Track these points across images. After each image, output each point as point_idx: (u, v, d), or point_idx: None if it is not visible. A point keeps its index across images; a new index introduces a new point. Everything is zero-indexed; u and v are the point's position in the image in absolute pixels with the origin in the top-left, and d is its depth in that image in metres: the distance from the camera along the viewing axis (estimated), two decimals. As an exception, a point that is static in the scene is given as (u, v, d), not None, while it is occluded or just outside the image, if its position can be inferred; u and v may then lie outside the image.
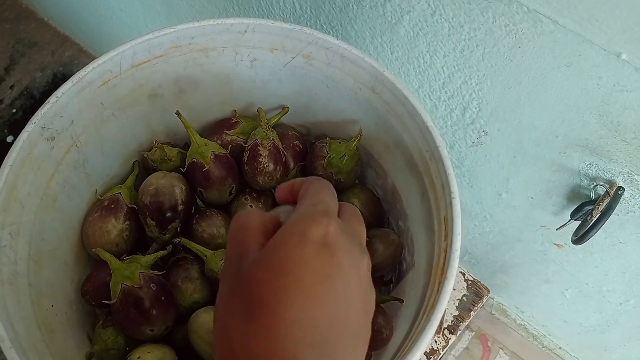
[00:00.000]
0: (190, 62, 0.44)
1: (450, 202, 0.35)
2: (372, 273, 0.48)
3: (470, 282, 0.64)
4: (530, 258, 0.74)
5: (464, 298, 0.63)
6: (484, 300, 0.63)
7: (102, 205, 0.45)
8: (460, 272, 0.65)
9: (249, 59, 0.45)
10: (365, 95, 0.44)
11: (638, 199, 0.52)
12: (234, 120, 0.50)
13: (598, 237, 0.60)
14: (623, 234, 0.58)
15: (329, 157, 0.48)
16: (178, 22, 1.01)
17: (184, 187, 0.46)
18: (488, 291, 0.63)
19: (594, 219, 0.51)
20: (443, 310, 0.31)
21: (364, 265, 0.27)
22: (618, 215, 0.56)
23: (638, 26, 0.38)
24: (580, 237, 0.52)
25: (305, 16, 0.65)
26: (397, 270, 0.50)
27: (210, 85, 0.47)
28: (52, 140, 0.39)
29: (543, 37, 0.44)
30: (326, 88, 0.46)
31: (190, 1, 0.84)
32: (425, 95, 0.60)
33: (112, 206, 0.45)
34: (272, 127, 0.50)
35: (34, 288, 0.37)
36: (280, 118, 0.50)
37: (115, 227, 0.44)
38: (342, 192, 0.52)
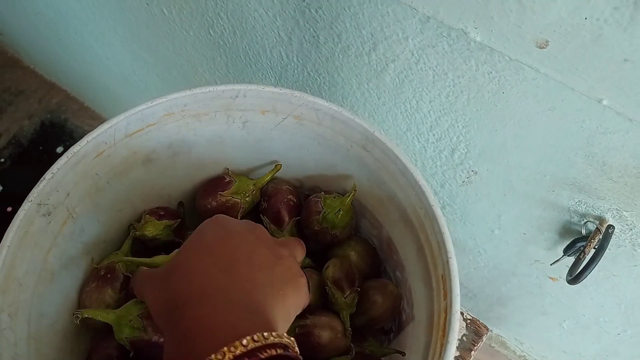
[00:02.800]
0: (183, 127, 0.45)
1: (447, 262, 0.36)
2: (372, 325, 0.48)
3: (469, 320, 0.64)
4: (526, 291, 0.75)
5: (464, 338, 0.63)
6: (484, 339, 0.63)
7: (99, 275, 0.45)
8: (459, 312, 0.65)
9: (241, 121, 0.46)
10: (356, 152, 0.45)
11: (628, 234, 0.53)
12: (227, 179, 0.51)
13: (592, 271, 0.61)
14: (616, 267, 0.59)
15: (324, 212, 0.49)
16: (165, 70, 1.02)
17: None
18: (487, 329, 0.63)
19: (587, 258, 0.52)
20: (447, 374, 0.31)
21: (259, 231, 0.37)
22: (610, 249, 0.56)
23: (617, 75, 0.38)
24: (575, 277, 0.52)
25: (292, 64, 0.66)
26: (396, 320, 0.50)
27: (203, 146, 0.48)
28: (48, 215, 0.40)
29: (526, 84, 0.45)
30: (317, 145, 0.47)
31: (178, 50, 0.85)
32: (413, 138, 0.61)
33: (109, 276, 0.45)
34: (265, 183, 0.51)
35: (34, 368, 0.37)
36: (272, 175, 0.51)
37: (112, 297, 0.44)
38: (338, 244, 0.52)
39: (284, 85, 0.67)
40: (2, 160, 1.42)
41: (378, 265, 0.53)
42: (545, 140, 0.49)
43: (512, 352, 0.91)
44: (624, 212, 0.51)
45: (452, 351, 0.32)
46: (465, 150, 0.57)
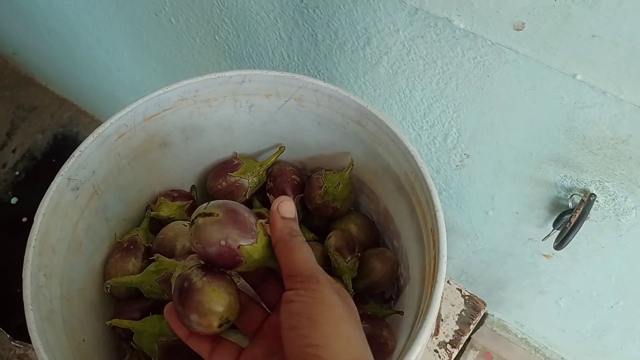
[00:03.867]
0: (195, 112, 0.50)
1: (435, 215, 0.40)
2: (372, 289, 0.52)
3: (467, 297, 0.68)
4: (523, 271, 0.77)
5: (463, 313, 0.66)
6: (482, 313, 0.66)
7: (122, 247, 0.50)
8: (457, 289, 0.68)
9: (247, 105, 0.51)
10: (352, 128, 0.49)
11: (611, 204, 0.56)
12: (236, 162, 0.55)
13: (581, 244, 0.64)
14: (603, 238, 0.61)
15: (325, 186, 0.53)
16: (174, 78, 1.06)
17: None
18: (485, 304, 0.66)
19: (572, 225, 0.55)
20: (436, 310, 0.35)
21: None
22: (596, 221, 0.59)
23: (587, 50, 0.42)
24: (560, 243, 0.56)
25: (293, 63, 0.70)
26: (395, 286, 0.54)
27: (213, 131, 0.53)
28: (76, 190, 0.44)
29: (508, 66, 0.48)
30: (317, 125, 0.51)
31: (185, 57, 0.90)
32: (408, 126, 0.64)
33: (132, 247, 0.49)
34: (271, 164, 0.56)
35: (67, 324, 0.41)
36: (277, 157, 0.56)
37: (135, 265, 0.48)
38: (339, 218, 0.56)
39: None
40: (17, 173, 1.48)
41: (377, 237, 0.56)
42: (529, 118, 0.52)
43: (514, 335, 0.94)
44: (606, 183, 0.54)
45: (440, 289, 0.35)
46: (457, 134, 0.60)
